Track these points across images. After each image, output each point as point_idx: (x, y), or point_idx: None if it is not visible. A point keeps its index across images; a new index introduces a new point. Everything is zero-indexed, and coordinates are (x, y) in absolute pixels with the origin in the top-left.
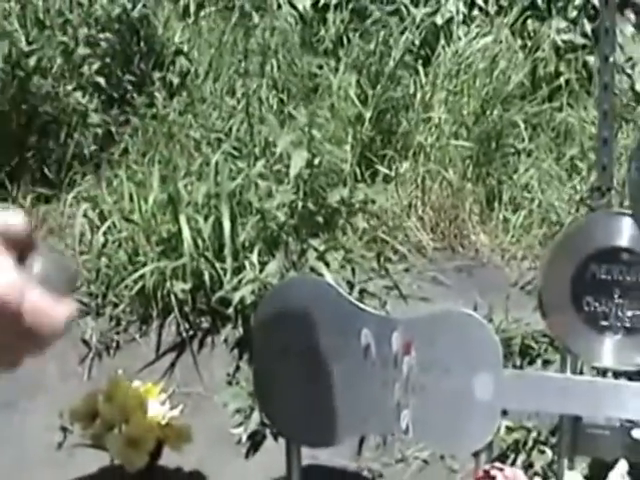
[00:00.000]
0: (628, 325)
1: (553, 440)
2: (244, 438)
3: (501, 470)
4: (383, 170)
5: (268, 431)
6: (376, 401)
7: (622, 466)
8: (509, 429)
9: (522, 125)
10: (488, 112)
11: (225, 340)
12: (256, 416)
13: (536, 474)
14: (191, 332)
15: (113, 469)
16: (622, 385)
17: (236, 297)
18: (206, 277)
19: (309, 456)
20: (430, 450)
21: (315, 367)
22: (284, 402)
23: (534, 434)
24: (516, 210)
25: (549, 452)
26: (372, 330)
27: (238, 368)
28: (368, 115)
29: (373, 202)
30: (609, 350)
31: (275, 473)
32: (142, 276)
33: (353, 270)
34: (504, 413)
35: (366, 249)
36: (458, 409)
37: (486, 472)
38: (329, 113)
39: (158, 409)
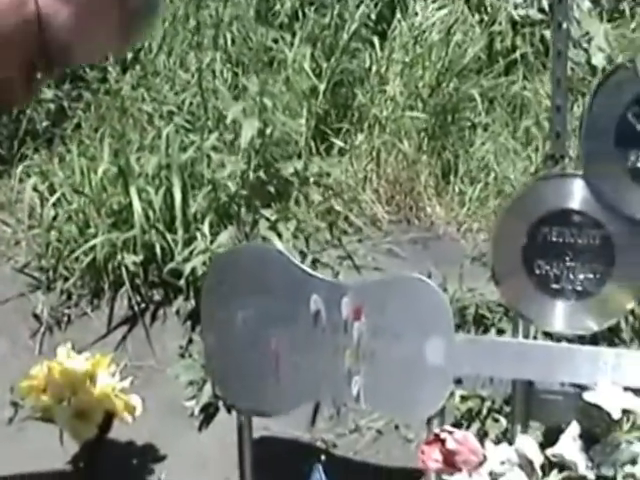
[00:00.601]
0: (580, 288)
1: (507, 409)
2: (197, 411)
3: (451, 433)
4: (338, 143)
5: (221, 403)
6: (327, 368)
7: (574, 429)
8: (463, 398)
9: (478, 98)
10: (444, 85)
11: (177, 312)
12: (208, 388)
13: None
14: (143, 305)
15: (63, 443)
16: (575, 350)
17: (187, 268)
18: (157, 249)
19: (261, 427)
20: (383, 419)
21: (264, 335)
22: (234, 371)
23: (488, 403)
24: (472, 183)
25: (503, 421)
26: (322, 296)
27: (191, 341)
28: (322, 88)
29: (328, 175)
30: (561, 314)
31: (228, 445)
32: (93, 248)
33: (306, 240)
34: (458, 382)
35: (320, 222)
36: (410, 375)
37: (436, 436)
38: (284, 87)
39: (108, 381)
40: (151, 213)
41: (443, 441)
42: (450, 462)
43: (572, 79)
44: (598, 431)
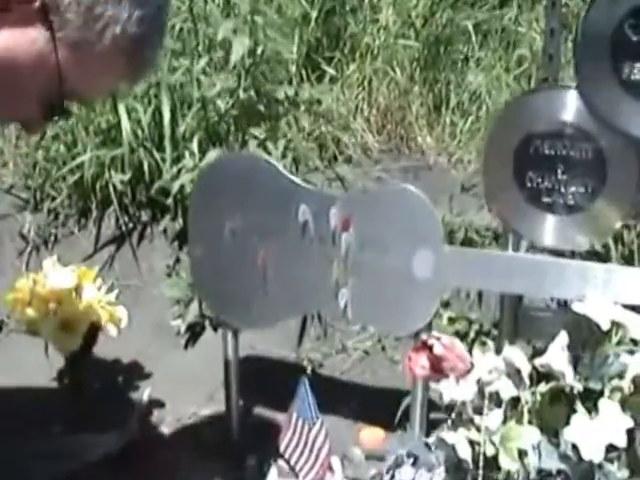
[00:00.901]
0: (571, 203)
1: (495, 332)
2: (183, 329)
3: (438, 339)
4: (329, 71)
5: (207, 322)
6: (314, 280)
7: (562, 338)
8: (451, 320)
9: (472, 30)
10: (437, 15)
11: (165, 232)
12: (195, 307)
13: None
14: (130, 225)
15: (49, 357)
16: (565, 264)
17: (175, 186)
18: (145, 167)
19: (247, 346)
20: (371, 340)
21: (252, 246)
22: (221, 284)
23: (476, 326)
24: (463, 115)
25: (491, 344)
26: (310, 206)
27: (178, 260)
28: (314, 15)
29: (319, 102)
30: (551, 229)
31: (214, 363)
32: (80, 167)
33: (294, 161)
34: (446, 305)
35: (311, 149)
36: (398, 288)
37: (423, 342)
38: (276, 14)
39: (93, 294)
40: (140, 132)
41: (430, 347)
42: (437, 369)
43: (567, 15)
44: (586, 345)
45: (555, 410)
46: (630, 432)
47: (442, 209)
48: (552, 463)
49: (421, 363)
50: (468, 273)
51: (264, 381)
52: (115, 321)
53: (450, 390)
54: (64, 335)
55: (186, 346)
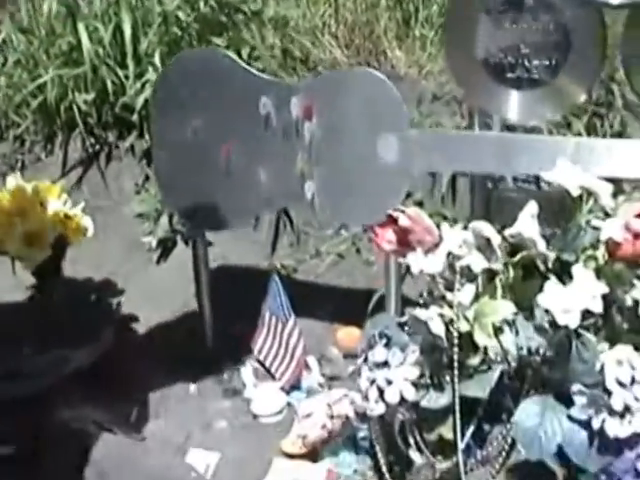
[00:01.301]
0: (535, 77)
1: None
2: (154, 244)
3: (403, 212)
4: None
5: (178, 237)
6: (280, 174)
7: (532, 207)
8: None
9: None
10: None
11: (132, 150)
12: (165, 222)
13: None
14: (97, 146)
15: (17, 276)
16: (534, 139)
17: (140, 101)
18: (109, 86)
19: (220, 257)
20: (344, 244)
21: (215, 144)
22: (187, 185)
23: (450, 223)
24: (433, 27)
25: None
26: (271, 98)
27: (147, 178)
28: None
29: (285, 20)
30: (516, 105)
31: (186, 276)
32: (43, 90)
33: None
34: (420, 204)
35: (278, 63)
36: (363, 175)
37: (389, 216)
38: None
39: (59, 207)
40: (101, 50)
41: (396, 220)
42: (404, 242)
43: None
44: (558, 218)
45: (529, 285)
46: (606, 299)
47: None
48: (528, 339)
49: (387, 237)
50: (436, 156)
51: (237, 289)
52: (81, 230)
53: (418, 262)
54: (31, 249)
55: (158, 261)
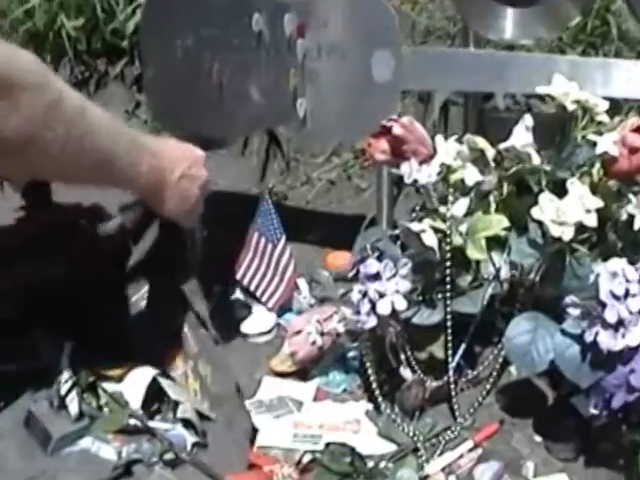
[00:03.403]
0: None
1: None
2: None
3: (396, 120)
4: None
5: None
6: (271, 92)
7: (527, 119)
8: None
9: None
10: None
11: (121, 77)
12: None
13: None
14: (87, 74)
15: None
16: (528, 57)
17: (130, 26)
18: (98, 11)
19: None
20: (335, 170)
21: (206, 62)
22: (178, 106)
23: None
24: None
25: None
26: (263, 15)
27: (137, 105)
28: None
29: None
30: (511, 22)
31: None
32: (31, 16)
33: None
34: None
35: None
36: (357, 93)
37: (382, 126)
38: None
39: None
40: None
41: (390, 129)
42: (398, 152)
43: None
44: (554, 135)
45: (522, 201)
46: (600, 215)
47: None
48: (521, 255)
49: (381, 147)
50: (429, 73)
51: (226, 214)
52: None
53: (412, 172)
54: None
55: None
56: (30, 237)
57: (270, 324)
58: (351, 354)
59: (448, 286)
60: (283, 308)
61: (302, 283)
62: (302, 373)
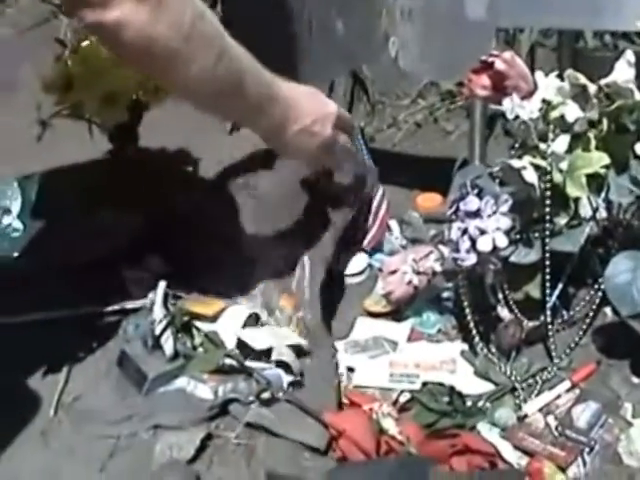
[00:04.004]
0: None
1: None
2: None
3: (497, 55)
4: None
5: None
6: (363, 31)
7: (628, 55)
8: None
9: None
10: None
11: None
12: None
13: None
14: None
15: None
16: None
17: None
18: None
19: None
20: (421, 113)
21: (297, 3)
22: (265, 45)
23: None
24: None
25: None
26: None
27: None
28: None
29: None
30: None
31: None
32: None
33: None
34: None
35: None
36: (450, 31)
37: (483, 61)
38: None
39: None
40: None
41: (491, 65)
42: (499, 88)
43: None
44: None
45: (623, 139)
46: None
47: None
48: (621, 194)
49: (482, 83)
50: (523, 10)
51: None
52: (160, 94)
53: (514, 108)
54: (108, 108)
55: (231, 131)
56: (116, 178)
57: (362, 265)
58: (445, 294)
59: (547, 224)
60: (374, 249)
61: (393, 224)
62: (395, 313)
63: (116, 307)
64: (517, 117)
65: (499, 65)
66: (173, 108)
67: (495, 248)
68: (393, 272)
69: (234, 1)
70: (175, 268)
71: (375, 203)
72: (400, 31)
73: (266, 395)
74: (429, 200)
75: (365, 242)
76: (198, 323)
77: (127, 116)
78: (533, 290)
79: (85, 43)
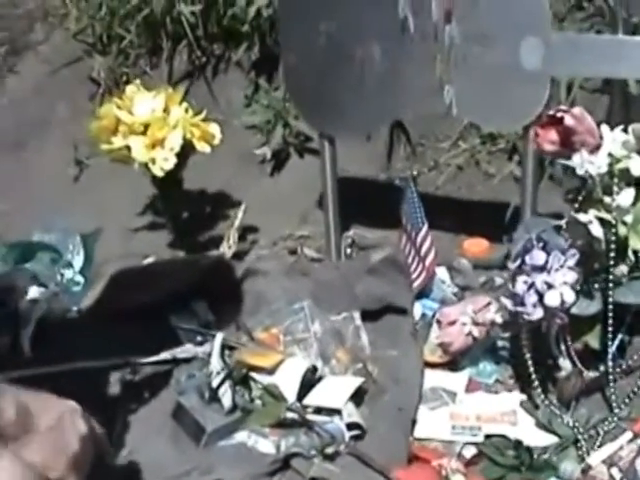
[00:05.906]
0: None
1: None
2: (269, 155)
3: (566, 112)
4: None
5: (292, 149)
6: (417, 80)
7: None
8: None
9: None
10: None
11: (239, 64)
12: (279, 133)
13: None
14: (204, 59)
15: (137, 188)
16: None
17: (251, 12)
18: None
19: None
20: (463, 155)
21: (349, 48)
22: (317, 90)
23: None
24: None
25: None
26: (409, 1)
27: (257, 89)
28: None
29: None
30: None
31: (302, 188)
32: (149, 2)
33: None
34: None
35: None
36: (504, 80)
37: (551, 116)
38: None
39: (181, 115)
40: None
41: (560, 120)
42: (567, 143)
43: None
44: None
45: None
46: None
47: None
48: None
49: (550, 138)
50: (576, 60)
51: (357, 200)
52: (208, 138)
53: (584, 163)
54: (156, 153)
55: (272, 173)
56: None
57: (417, 313)
58: (500, 344)
59: (611, 276)
60: (420, 294)
61: (442, 271)
62: (451, 363)
63: (167, 356)
64: (586, 172)
65: (568, 121)
66: (208, 155)
67: (562, 302)
68: (452, 323)
69: (289, 45)
70: (221, 313)
71: (424, 249)
72: (454, 79)
73: (330, 449)
74: (476, 245)
75: (413, 286)
76: (256, 375)
77: (175, 161)
78: (592, 340)
79: (131, 91)
